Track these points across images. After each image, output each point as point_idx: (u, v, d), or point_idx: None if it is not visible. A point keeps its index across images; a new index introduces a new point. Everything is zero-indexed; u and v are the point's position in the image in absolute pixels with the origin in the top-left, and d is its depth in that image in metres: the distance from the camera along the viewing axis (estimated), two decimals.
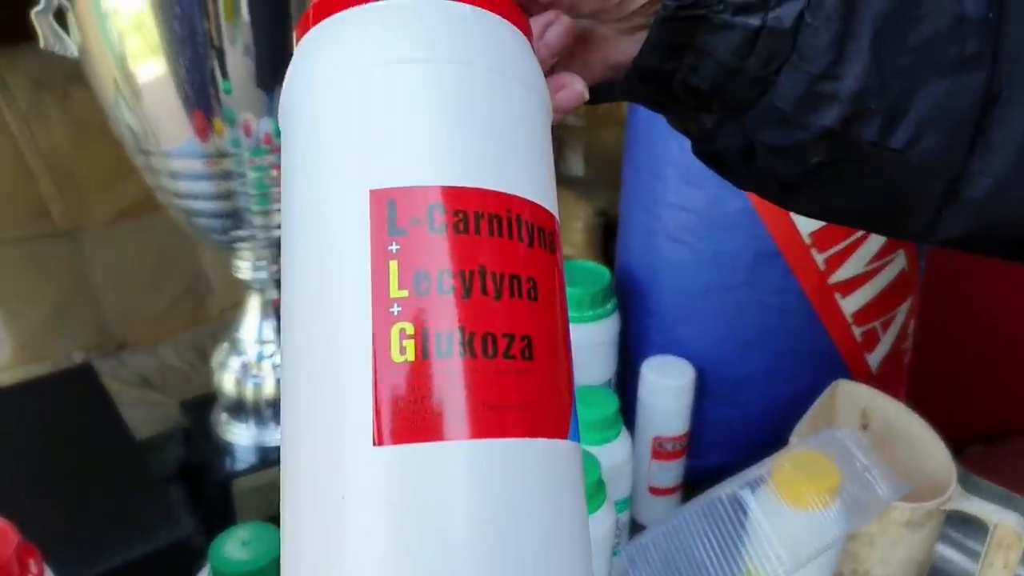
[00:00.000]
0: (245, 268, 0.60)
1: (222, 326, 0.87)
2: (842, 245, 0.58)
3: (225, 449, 0.63)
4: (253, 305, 0.63)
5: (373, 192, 0.21)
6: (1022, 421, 1.22)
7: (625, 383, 0.66)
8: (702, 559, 0.45)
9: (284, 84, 0.25)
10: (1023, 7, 0.28)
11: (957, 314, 1.10)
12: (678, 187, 0.59)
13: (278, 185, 0.56)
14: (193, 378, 1.31)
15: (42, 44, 0.51)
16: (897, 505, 0.50)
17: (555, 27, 0.27)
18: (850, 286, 0.60)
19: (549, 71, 0.28)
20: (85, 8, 0.50)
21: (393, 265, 0.20)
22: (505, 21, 0.24)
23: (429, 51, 0.22)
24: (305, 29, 0.25)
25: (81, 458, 0.59)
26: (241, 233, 0.57)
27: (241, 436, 0.63)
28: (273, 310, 0.63)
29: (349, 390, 0.20)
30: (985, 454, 1.21)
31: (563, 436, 0.21)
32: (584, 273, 0.64)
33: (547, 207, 0.23)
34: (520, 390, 0.20)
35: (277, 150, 0.54)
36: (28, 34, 0.51)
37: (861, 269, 0.59)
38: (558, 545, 0.20)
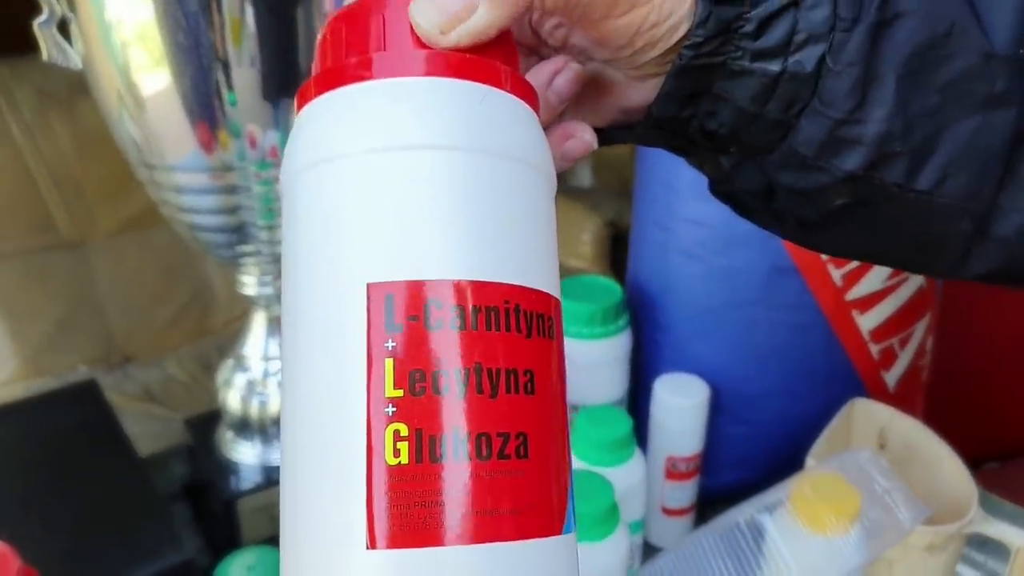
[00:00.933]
0: (250, 284, 0.59)
1: (227, 338, 0.86)
2: (853, 264, 0.57)
3: (230, 468, 0.62)
4: (258, 321, 0.62)
5: (371, 286, 0.20)
6: None
7: (637, 401, 0.65)
8: None
9: (286, 151, 0.24)
10: None
11: (973, 329, 1.08)
12: (692, 202, 0.58)
13: None
14: (197, 391, 1.30)
15: (45, 56, 0.50)
16: (918, 529, 0.49)
17: (564, 74, 0.27)
18: (868, 303, 0.59)
19: (557, 117, 0.28)
20: (88, 19, 0.49)
21: (389, 363, 0.20)
22: (515, 99, 0.23)
23: (434, 137, 0.21)
24: (307, 98, 0.24)
25: (84, 477, 0.58)
26: (246, 248, 0.56)
27: (246, 455, 0.61)
28: (279, 326, 0.62)
29: (344, 491, 0.19)
30: (1001, 472, 1.19)
31: (558, 533, 0.21)
32: (595, 289, 0.63)
33: (547, 290, 0.22)
34: (515, 493, 0.20)
35: None
36: (33, 45, 0.51)
37: (879, 286, 0.58)
38: None
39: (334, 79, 0.23)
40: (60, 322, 1.38)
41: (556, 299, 0.23)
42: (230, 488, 0.60)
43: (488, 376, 0.20)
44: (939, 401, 0.94)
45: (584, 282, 0.64)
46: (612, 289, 0.63)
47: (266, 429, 0.61)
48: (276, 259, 0.58)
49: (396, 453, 0.19)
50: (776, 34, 0.25)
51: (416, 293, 0.20)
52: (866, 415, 0.59)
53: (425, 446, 0.19)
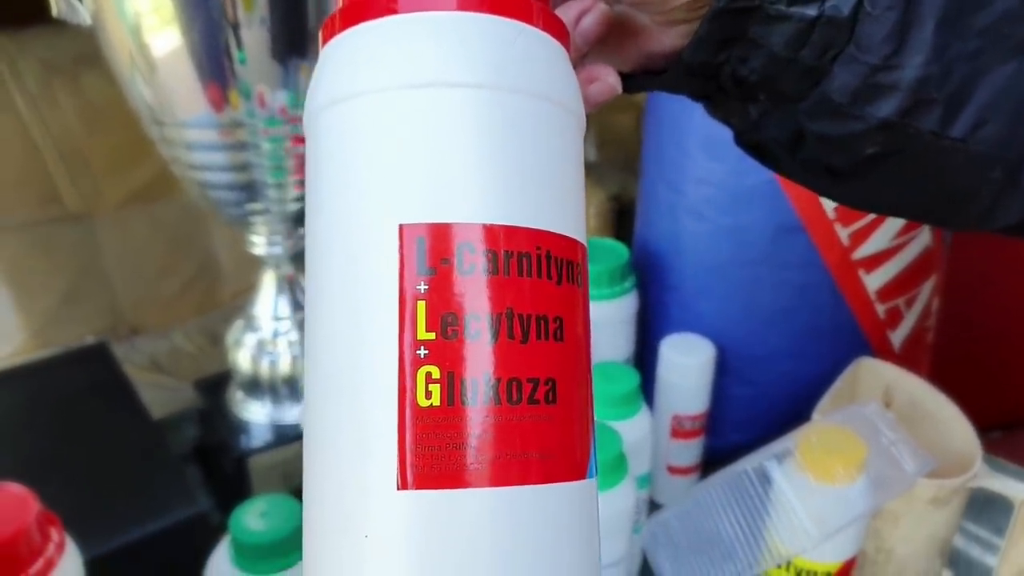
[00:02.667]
0: (260, 243, 0.59)
1: (233, 311, 0.86)
2: (867, 220, 0.57)
3: (240, 427, 0.62)
4: (268, 281, 0.62)
5: (403, 227, 0.20)
6: None
7: (644, 361, 0.66)
8: (726, 533, 0.44)
9: (310, 87, 0.23)
10: None
11: (981, 295, 1.08)
12: (702, 160, 0.58)
13: (293, 157, 0.55)
14: (204, 362, 1.31)
15: (54, 12, 0.50)
16: (923, 482, 0.49)
17: (591, 16, 0.26)
18: (874, 262, 0.59)
19: (581, 60, 0.28)
20: None
21: (421, 306, 0.20)
22: (547, 36, 0.23)
23: (467, 75, 0.21)
24: (331, 32, 0.23)
25: (98, 436, 0.59)
26: (256, 207, 0.56)
27: (257, 414, 0.62)
28: (288, 285, 0.62)
29: (375, 432, 0.19)
30: (1005, 440, 1.20)
31: (582, 477, 0.21)
32: (602, 251, 0.63)
33: (577, 237, 0.22)
34: (542, 437, 0.20)
35: (293, 120, 0.53)
36: (38, 16, 0.51)
37: (886, 244, 0.58)
38: None
39: (361, 12, 0.22)
40: (66, 294, 1.38)
41: (583, 245, 0.23)
42: (241, 446, 0.61)
43: (520, 322, 0.20)
44: (946, 366, 0.94)
45: (591, 244, 0.65)
46: (619, 251, 0.64)
47: (276, 388, 0.62)
48: (285, 218, 0.58)
49: (428, 395, 0.19)
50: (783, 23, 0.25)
51: (448, 236, 0.20)
52: (872, 374, 0.60)
53: (457, 389, 0.19)
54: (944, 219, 0.33)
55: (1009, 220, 0.29)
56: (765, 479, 0.45)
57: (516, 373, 0.20)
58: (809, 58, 0.26)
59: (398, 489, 0.19)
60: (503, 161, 0.21)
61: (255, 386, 0.62)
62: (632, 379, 0.53)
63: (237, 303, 1.42)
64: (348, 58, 0.22)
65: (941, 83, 0.26)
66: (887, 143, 0.27)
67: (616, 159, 1.72)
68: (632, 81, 0.29)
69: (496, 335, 0.20)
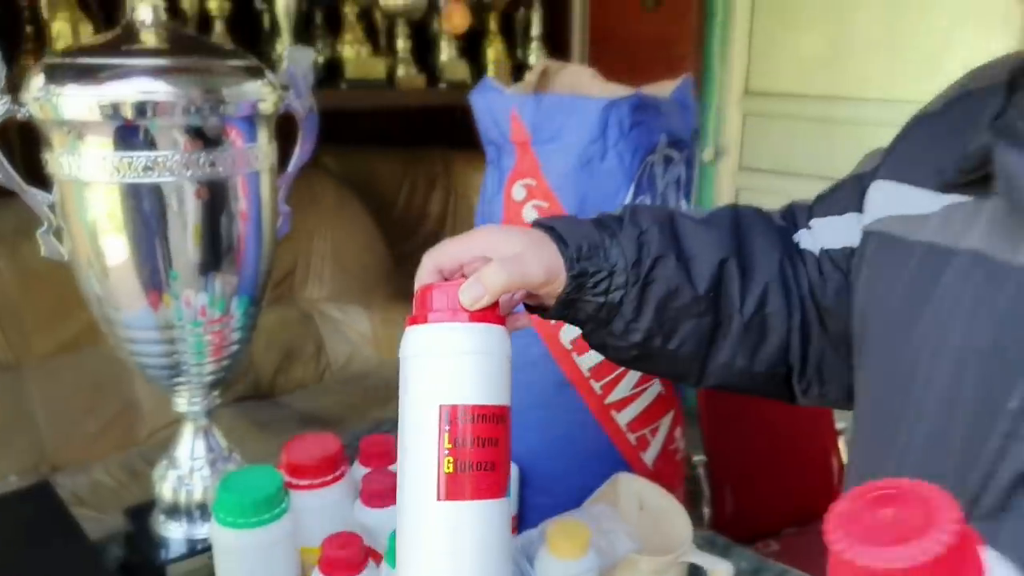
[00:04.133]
0: (182, 403, 0.81)
1: (151, 448, 1.03)
2: (612, 376, 0.83)
3: (162, 543, 0.82)
4: (188, 430, 0.83)
5: (441, 406, 0.49)
6: (818, 508, 1.49)
7: None
8: None
9: (401, 343, 0.52)
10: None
11: (746, 424, 1.37)
12: None
13: (210, 343, 0.78)
14: (124, 496, 1.45)
15: (43, 254, 0.73)
16: (641, 558, 0.73)
17: (518, 295, 0.58)
18: (622, 404, 0.85)
19: (512, 309, 0.59)
20: (76, 224, 0.73)
21: (446, 435, 0.48)
22: (499, 327, 0.52)
23: (476, 347, 0.50)
24: (411, 323, 0.52)
25: (41, 562, 0.77)
26: (180, 379, 0.79)
27: (175, 532, 0.82)
28: (203, 434, 0.83)
29: (426, 474, 0.48)
30: (798, 534, 1.47)
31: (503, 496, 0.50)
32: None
33: (507, 405, 0.51)
34: (491, 481, 0.49)
35: (213, 321, 0.76)
36: None
37: (628, 392, 0.85)
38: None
39: (418, 317, 0.52)
40: None
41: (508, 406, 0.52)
42: (162, 559, 0.80)
43: (489, 442, 0.49)
44: (733, 479, 1.21)
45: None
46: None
47: (192, 512, 0.82)
48: (203, 385, 0.80)
49: (447, 466, 0.48)
50: (602, 285, 0.56)
51: (455, 410, 0.48)
52: (627, 485, 0.84)
53: (457, 465, 0.48)
54: (681, 380, 0.66)
55: (710, 384, 0.63)
56: (526, 559, 0.68)
57: (480, 459, 0.48)
58: (603, 316, 0.58)
59: (437, 500, 0.48)
60: (483, 393, 0.50)
61: (175, 511, 0.82)
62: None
63: (154, 440, 1.58)
64: (416, 335, 0.51)
65: (659, 330, 0.58)
66: (639, 351, 0.59)
67: None
68: (537, 311, 0.60)
69: (473, 445, 0.49)
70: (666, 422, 0.90)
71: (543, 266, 0.54)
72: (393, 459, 0.81)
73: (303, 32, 1.99)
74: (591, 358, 0.83)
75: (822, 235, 0.62)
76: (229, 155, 0.71)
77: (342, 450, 0.77)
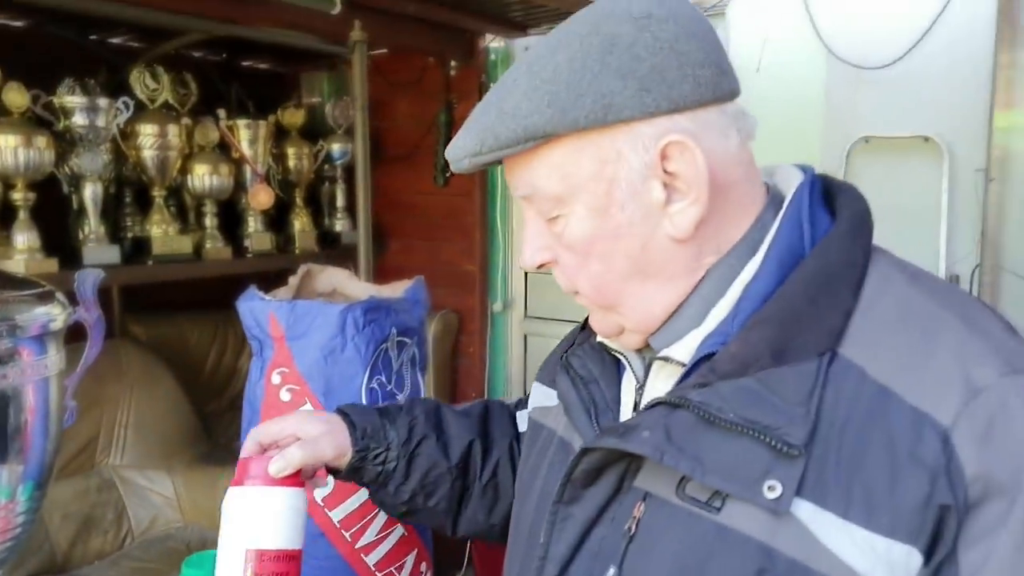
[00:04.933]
0: None
1: None
2: (359, 524, 1.02)
3: None
4: None
5: (247, 549, 0.68)
6: None
7: None
8: None
9: (224, 499, 0.69)
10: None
11: None
12: None
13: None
14: None
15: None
16: None
17: (319, 465, 0.76)
18: (370, 548, 1.03)
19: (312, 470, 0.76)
20: None
21: (250, 570, 0.67)
22: (298, 490, 0.71)
23: (277, 505, 0.70)
24: (236, 482, 0.71)
25: None
26: None
27: None
28: None
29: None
30: None
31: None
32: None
33: (300, 548, 0.69)
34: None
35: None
36: None
37: (374, 537, 1.03)
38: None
39: (238, 480, 0.69)
40: None
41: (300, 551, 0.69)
42: None
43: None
44: None
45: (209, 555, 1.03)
46: None
47: None
48: None
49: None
50: (380, 457, 0.77)
51: (260, 554, 0.66)
52: None
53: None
54: (440, 529, 0.84)
55: (461, 533, 0.83)
56: None
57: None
58: (381, 479, 0.79)
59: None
60: (280, 535, 0.69)
61: None
62: None
63: None
64: (229, 495, 0.69)
65: (422, 491, 0.79)
66: (408, 507, 0.79)
67: None
68: (332, 473, 0.78)
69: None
70: (411, 558, 1.09)
71: (334, 446, 0.76)
72: None
73: (113, 212, 2.13)
74: (341, 511, 1.02)
75: (524, 420, 0.87)
76: (19, 367, 0.86)
77: None
